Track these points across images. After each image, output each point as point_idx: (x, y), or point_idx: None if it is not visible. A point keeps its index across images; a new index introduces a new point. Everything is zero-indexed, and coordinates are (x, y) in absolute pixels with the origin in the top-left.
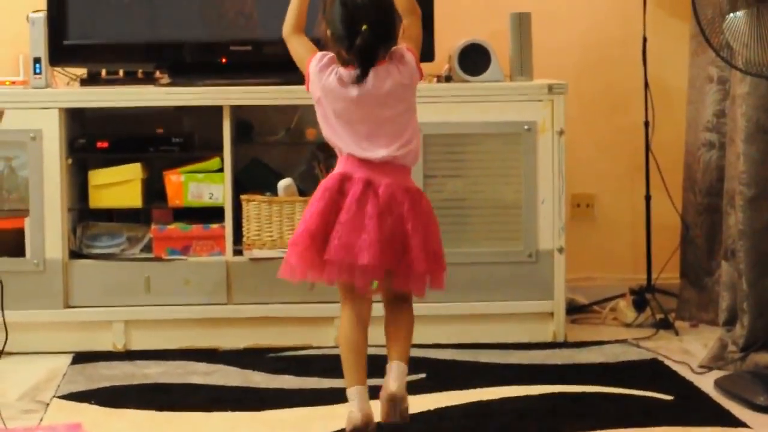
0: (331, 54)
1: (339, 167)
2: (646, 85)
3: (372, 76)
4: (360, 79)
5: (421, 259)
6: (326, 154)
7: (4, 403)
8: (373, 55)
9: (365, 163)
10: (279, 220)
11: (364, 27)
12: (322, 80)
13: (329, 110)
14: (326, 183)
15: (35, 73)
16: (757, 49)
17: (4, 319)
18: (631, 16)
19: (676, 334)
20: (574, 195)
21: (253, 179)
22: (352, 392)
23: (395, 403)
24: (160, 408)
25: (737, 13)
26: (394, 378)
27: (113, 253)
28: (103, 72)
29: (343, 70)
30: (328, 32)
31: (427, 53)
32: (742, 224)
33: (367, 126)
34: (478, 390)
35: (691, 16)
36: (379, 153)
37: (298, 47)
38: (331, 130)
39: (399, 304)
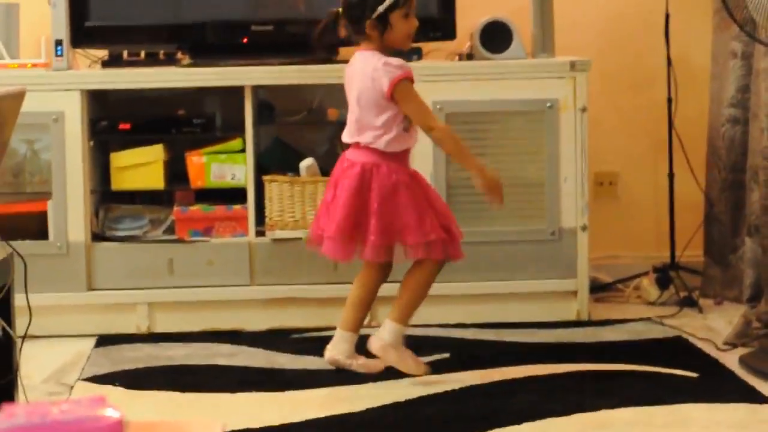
0: None
1: None
2: (669, 61)
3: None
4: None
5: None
6: None
7: (29, 385)
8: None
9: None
10: (301, 200)
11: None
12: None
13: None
14: None
15: (57, 55)
16: None
17: (28, 302)
18: None
19: (700, 311)
20: (597, 173)
21: (275, 160)
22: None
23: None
24: (185, 389)
25: None
26: (377, 335)
27: (136, 236)
28: (125, 54)
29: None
30: None
31: (448, 32)
32: (766, 199)
33: (349, 109)
34: (503, 369)
35: None
36: (346, 137)
37: None
38: None
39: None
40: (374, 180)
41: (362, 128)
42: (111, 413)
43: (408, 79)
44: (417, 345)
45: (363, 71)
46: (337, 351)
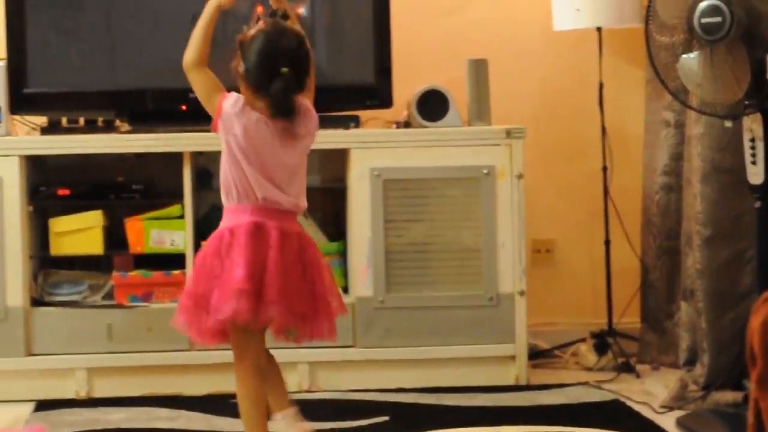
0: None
1: (245, 215)
2: (603, 130)
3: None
4: (287, 122)
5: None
6: None
7: None
8: (290, 101)
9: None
10: None
11: (284, 70)
12: (242, 120)
13: (249, 151)
14: (244, 230)
15: None
16: (710, 90)
17: None
18: (587, 63)
19: (638, 376)
20: (534, 241)
21: (213, 225)
22: None
23: None
24: None
25: (691, 54)
26: None
27: (75, 301)
28: (64, 120)
29: (260, 115)
30: (242, 68)
31: (385, 100)
32: (700, 264)
33: (281, 173)
34: (442, 431)
35: (646, 62)
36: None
37: (205, 80)
38: (243, 172)
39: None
40: None
41: (300, 190)
42: None
43: None
44: (356, 408)
45: (306, 132)
46: None
